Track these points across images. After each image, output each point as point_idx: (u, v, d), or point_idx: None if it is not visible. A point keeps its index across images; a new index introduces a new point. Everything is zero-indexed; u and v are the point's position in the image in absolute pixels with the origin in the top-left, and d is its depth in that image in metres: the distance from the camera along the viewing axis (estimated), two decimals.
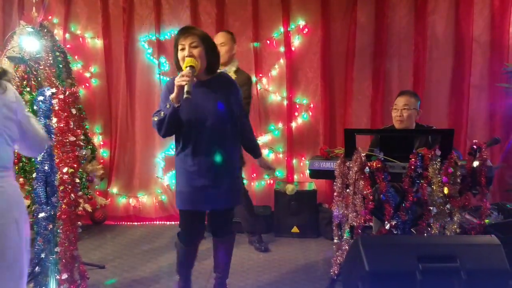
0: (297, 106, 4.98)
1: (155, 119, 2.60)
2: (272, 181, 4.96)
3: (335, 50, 4.90)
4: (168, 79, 4.91)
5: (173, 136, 2.74)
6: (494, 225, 3.44)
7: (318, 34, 4.85)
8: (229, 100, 2.72)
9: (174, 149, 2.84)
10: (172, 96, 2.50)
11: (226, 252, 3.02)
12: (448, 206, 2.87)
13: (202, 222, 2.87)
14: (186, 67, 2.52)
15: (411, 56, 4.82)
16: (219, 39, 3.99)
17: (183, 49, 2.60)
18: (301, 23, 4.87)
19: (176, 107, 2.51)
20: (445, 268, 2.43)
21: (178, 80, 2.47)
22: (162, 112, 2.57)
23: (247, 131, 2.94)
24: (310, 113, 4.97)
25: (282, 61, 4.92)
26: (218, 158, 2.68)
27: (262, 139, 4.95)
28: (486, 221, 3.17)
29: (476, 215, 3.07)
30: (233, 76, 3.95)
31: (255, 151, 3.04)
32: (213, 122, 2.65)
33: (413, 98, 3.56)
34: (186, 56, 2.57)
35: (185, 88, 2.44)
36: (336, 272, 3.15)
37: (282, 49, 4.90)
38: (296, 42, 4.90)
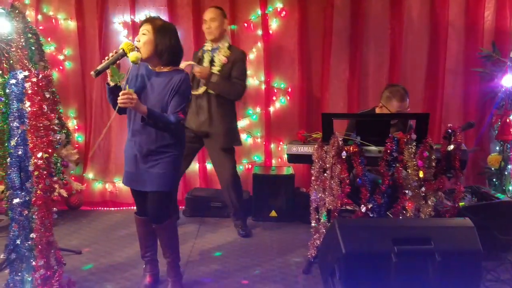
0: (275, 91, 4.97)
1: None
2: (250, 166, 4.97)
3: (312, 33, 4.89)
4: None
5: None
6: (468, 207, 3.51)
7: (295, 18, 4.83)
8: (166, 96, 2.81)
9: None
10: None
11: (165, 237, 3.03)
12: (423, 189, 2.92)
13: (145, 199, 2.98)
14: (121, 49, 2.71)
15: (387, 40, 4.85)
16: (209, 14, 3.98)
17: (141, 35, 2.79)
18: (279, 5, 4.84)
19: (108, 86, 2.78)
20: (419, 250, 2.48)
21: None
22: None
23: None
24: (288, 98, 4.97)
25: (259, 44, 4.89)
26: (150, 142, 2.83)
27: (240, 124, 4.92)
28: (460, 204, 3.25)
29: (450, 198, 3.13)
30: (226, 52, 3.96)
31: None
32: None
33: (408, 97, 3.57)
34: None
35: (98, 66, 2.67)
36: (313, 255, 3.20)
37: (259, 32, 4.86)
38: (274, 25, 4.87)
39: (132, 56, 2.67)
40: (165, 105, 2.80)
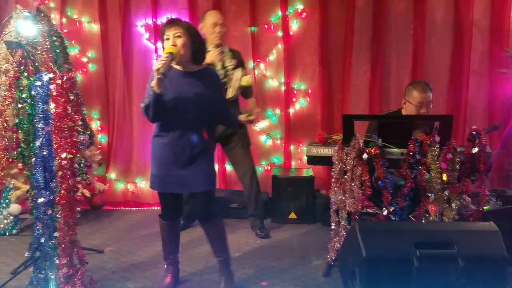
0: (295, 92, 4.96)
1: (142, 105, 2.74)
2: (269, 168, 4.97)
3: (333, 34, 4.87)
4: None
5: None
6: (492, 211, 3.45)
7: (316, 19, 4.81)
8: (212, 93, 2.84)
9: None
10: (153, 82, 2.61)
11: (215, 235, 3.05)
12: (446, 192, 2.88)
13: (175, 202, 3.00)
14: (166, 53, 2.67)
15: (410, 41, 4.79)
16: (219, 18, 3.98)
17: (167, 39, 2.75)
18: (299, 7, 4.83)
19: (158, 94, 2.63)
20: (442, 255, 2.45)
21: (155, 65, 2.61)
22: (147, 99, 2.71)
23: (228, 116, 3.02)
24: (308, 99, 4.96)
25: (280, 46, 4.88)
26: (192, 145, 2.80)
27: (259, 125, 4.94)
28: (485, 207, 3.19)
29: (475, 201, 3.08)
30: (230, 55, 3.95)
31: (234, 123, 3.07)
32: (193, 111, 2.78)
33: (431, 92, 3.51)
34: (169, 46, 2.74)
35: (160, 70, 2.56)
36: (333, 258, 3.17)
37: (280, 33, 4.86)
38: (294, 26, 4.87)
39: (177, 57, 2.70)
40: (212, 102, 2.83)
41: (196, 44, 2.80)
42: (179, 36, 2.73)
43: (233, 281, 3.10)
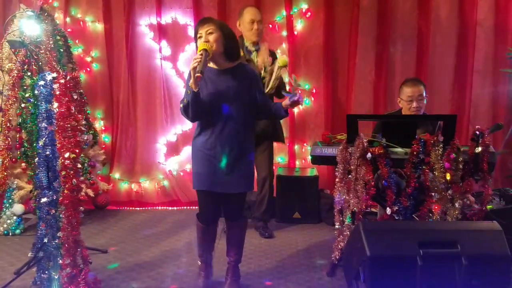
0: (299, 92, 4.94)
1: (181, 105, 2.75)
2: (274, 167, 4.95)
3: (338, 34, 4.87)
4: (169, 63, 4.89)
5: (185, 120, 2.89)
6: (495, 211, 3.44)
7: (320, 18, 4.81)
8: (250, 89, 2.85)
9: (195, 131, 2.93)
10: (191, 81, 2.61)
11: (238, 235, 3.07)
12: (450, 192, 2.87)
13: (217, 202, 2.96)
14: (200, 50, 2.64)
15: (415, 41, 4.79)
16: (258, 15, 3.95)
17: (200, 37, 2.74)
18: (304, 6, 4.82)
19: (196, 92, 2.63)
20: (446, 254, 2.43)
21: (192, 64, 2.59)
22: (185, 99, 2.71)
23: (270, 108, 2.99)
24: (313, 99, 4.95)
25: (284, 45, 4.88)
26: (234, 144, 2.79)
27: None
28: (488, 207, 3.17)
29: (478, 201, 3.06)
30: (267, 52, 3.87)
31: (279, 112, 2.97)
32: (232, 109, 2.78)
33: (423, 86, 3.53)
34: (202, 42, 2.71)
35: (197, 68, 2.54)
36: (337, 257, 3.17)
37: (284, 33, 4.86)
38: (299, 26, 4.86)
39: (210, 53, 2.66)
40: (251, 97, 2.84)
41: (229, 40, 2.78)
42: (211, 33, 2.71)
43: (238, 283, 3.09)
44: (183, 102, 2.73)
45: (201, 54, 2.60)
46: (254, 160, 4.08)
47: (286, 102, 2.90)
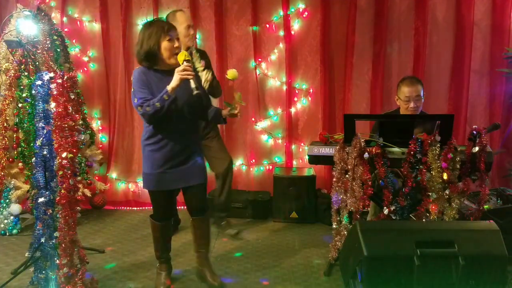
0: (297, 91, 4.96)
1: (148, 109, 2.71)
2: (271, 167, 4.97)
3: (335, 34, 4.86)
4: None
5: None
6: (492, 210, 3.44)
7: (317, 18, 4.81)
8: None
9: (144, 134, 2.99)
10: (172, 86, 2.68)
11: (205, 228, 3.14)
12: (447, 191, 2.87)
13: (173, 201, 3.12)
14: (184, 61, 2.70)
15: (411, 41, 4.78)
16: (190, 20, 3.91)
17: (170, 40, 2.78)
18: (301, 6, 4.82)
19: (174, 97, 2.71)
20: (443, 254, 2.44)
21: (183, 74, 2.67)
22: (158, 103, 2.70)
23: (212, 110, 3.09)
24: (310, 98, 4.95)
25: (281, 45, 4.88)
26: (189, 140, 2.91)
27: (261, 125, 4.94)
28: (485, 207, 3.18)
29: (475, 200, 3.07)
30: (198, 56, 3.78)
31: (217, 119, 3.09)
32: (186, 109, 2.86)
33: (421, 86, 3.53)
34: (180, 49, 2.80)
35: (192, 85, 2.65)
36: (334, 257, 3.17)
37: (281, 33, 4.85)
38: (296, 26, 4.86)
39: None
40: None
41: None
42: (178, 38, 2.83)
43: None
44: (153, 106, 2.69)
45: (189, 65, 2.69)
46: (209, 152, 4.03)
47: (225, 112, 3.01)
